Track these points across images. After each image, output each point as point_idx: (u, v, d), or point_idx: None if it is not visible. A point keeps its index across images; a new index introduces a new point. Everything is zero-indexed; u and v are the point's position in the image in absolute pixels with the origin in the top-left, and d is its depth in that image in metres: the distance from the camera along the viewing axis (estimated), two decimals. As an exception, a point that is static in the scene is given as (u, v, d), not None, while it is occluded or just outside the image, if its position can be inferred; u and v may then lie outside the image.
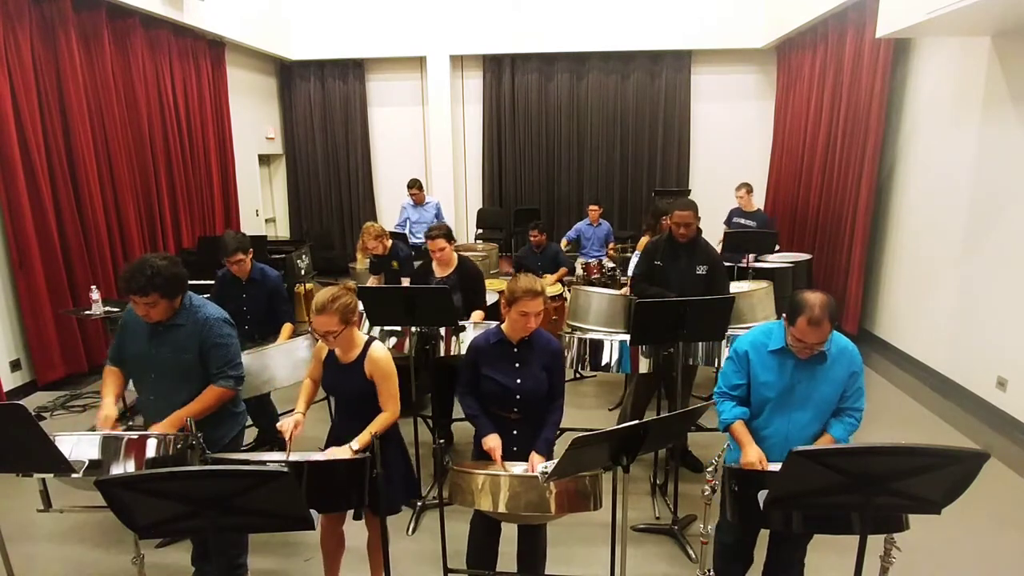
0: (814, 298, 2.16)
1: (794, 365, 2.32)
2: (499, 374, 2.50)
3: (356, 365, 2.48)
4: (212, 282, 4.11)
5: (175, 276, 2.44)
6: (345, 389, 2.54)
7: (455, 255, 4.04)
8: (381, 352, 2.50)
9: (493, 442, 2.45)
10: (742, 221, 6.77)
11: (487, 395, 2.55)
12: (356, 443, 2.40)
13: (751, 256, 5.76)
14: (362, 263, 5.03)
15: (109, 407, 2.52)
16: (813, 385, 2.31)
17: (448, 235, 3.96)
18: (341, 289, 2.44)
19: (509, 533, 2.67)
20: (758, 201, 8.76)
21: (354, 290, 2.54)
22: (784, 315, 2.27)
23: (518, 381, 2.49)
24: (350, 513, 2.63)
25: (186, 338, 2.50)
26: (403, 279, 4.93)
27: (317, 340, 2.55)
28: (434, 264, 4.03)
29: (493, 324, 3.31)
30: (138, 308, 2.41)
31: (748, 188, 6.81)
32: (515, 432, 2.54)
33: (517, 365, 2.51)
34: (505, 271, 6.28)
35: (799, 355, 2.28)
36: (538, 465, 2.35)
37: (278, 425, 2.45)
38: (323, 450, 2.53)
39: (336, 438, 2.57)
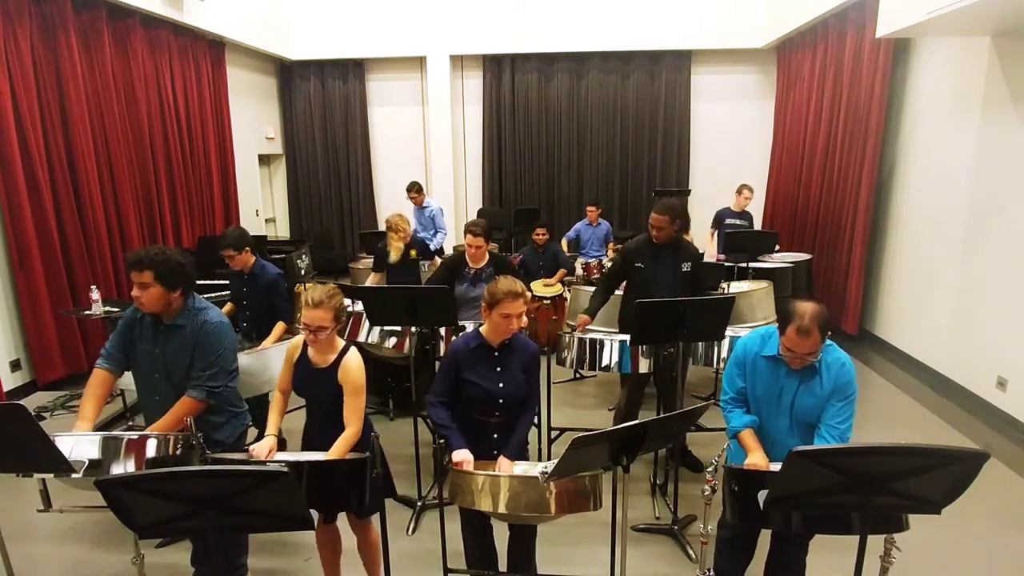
0: (805, 307, 2.15)
1: (785, 373, 2.32)
2: (482, 379, 2.48)
3: (331, 370, 2.46)
4: (212, 282, 4.15)
5: (178, 266, 2.44)
6: (318, 394, 2.51)
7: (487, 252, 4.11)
8: (356, 362, 2.46)
9: (462, 456, 2.39)
10: (736, 221, 6.85)
11: (470, 400, 2.51)
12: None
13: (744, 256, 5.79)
14: (396, 251, 5.12)
15: (86, 423, 2.44)
16: (798, 395, 2.31)
17: (487, 234, 4.01)
18: (335, 288, 2.45)
19: (500, 532, 2.66)
20: (754, 201, 8.82)
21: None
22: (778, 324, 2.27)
23: (500, 385, 2.48)
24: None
25: (186, 339, 2.50)
26: (426, 263, 5.08)
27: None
28: (468, 257, 4.06)
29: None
30: (134, 291, 2.42)
31: (748, 188, 6.89)
32: (495, 436, 2.53)
33: (499, 369, 2.49)
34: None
35: (791, 364, 2.27)
36: (538, 465, 2.34)
37: (251, 449, 2.43)
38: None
39: (311, 440, 2.56)
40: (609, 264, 6.32)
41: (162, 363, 2.51)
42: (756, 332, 2.46)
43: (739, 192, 6.90)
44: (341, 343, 2.53)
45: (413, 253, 5.07)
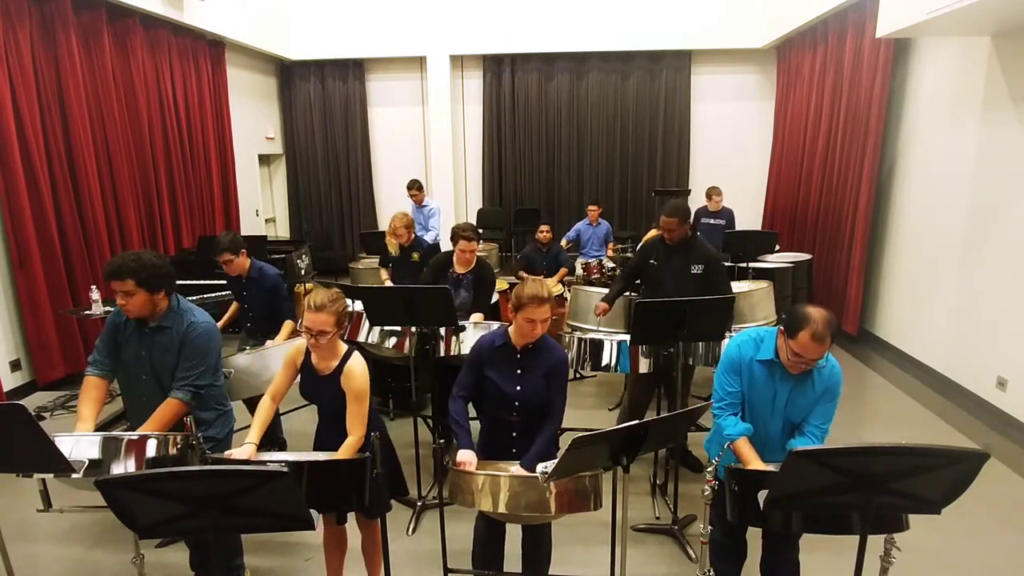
0: (817, 313, 2.10)
1: (780, 376, 2.30)
2: (500, 379, 2.48)
3: (334, 376, 2.43)
4: (211, 282, 4.14)
5: (157, 268, 2.43)
6: (323, 400, 2.50)
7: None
8: (359, 368, 2.42)
9: (464, 457, 2.38)
10: (711, 221, 7.00)
11: (488, 397, 2.53)
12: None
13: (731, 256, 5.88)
14: (393, 247, 5.13)
15: (86, 423, 2.46)
16: (792, 397, 2.29)
17: (479, 238, 4.06)
18: (338, 293, 2.42)
19: (515, 534, 2.66)
20: (754, 201, 8.90)
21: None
22: (781, 327, 2.23)
23: (518, 388, 2.48)
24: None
25: (171, 340, 2.50)
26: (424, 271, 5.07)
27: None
28: (455, 259, 4.05)
29: (495, 324, 3.31)
30: (118, 299, 2.41)
31: (718, 191, 7.18)
32: (514, 434, 2.53)
33: (519, 372, 2.49)
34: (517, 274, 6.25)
35: (791, 370, 2.24)
36: (539, 465, 2.34)
37: (226, 455, 2.40)
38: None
39: (321, 443, 2.55)
40: (610, 264, 6.33)
41: (149, 365, 2.51)
42: (747, 334, 2.42)
43: (708, 196, 7.19)
44: (344, 348, 2.49)
45: (416, 256, 5.05)
